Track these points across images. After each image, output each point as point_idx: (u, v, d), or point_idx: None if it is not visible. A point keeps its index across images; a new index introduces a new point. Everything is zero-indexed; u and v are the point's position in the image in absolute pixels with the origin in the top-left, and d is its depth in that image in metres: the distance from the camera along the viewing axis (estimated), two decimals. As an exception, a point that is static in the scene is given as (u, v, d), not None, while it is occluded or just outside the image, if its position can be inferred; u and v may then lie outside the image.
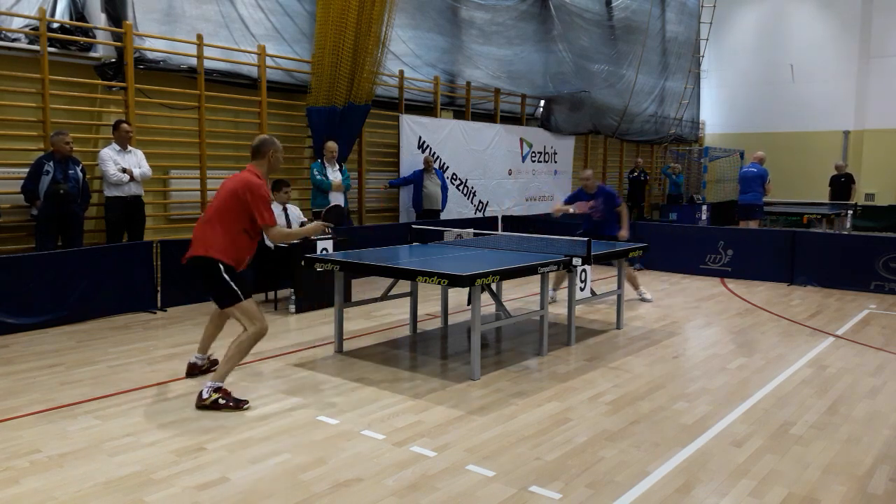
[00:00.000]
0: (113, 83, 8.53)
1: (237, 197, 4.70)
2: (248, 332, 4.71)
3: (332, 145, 9.70)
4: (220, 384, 4.65)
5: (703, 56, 21.00)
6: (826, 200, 15.65)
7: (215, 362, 5.32)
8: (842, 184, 15.52)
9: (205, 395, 4.58)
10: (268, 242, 7.83)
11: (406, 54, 12.27)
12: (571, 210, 8.49)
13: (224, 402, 4.59)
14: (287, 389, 5.05)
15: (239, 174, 4.85)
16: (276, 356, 5.94)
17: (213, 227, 4.71)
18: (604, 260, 6.81)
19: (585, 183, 8.46)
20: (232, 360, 4.71)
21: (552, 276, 8.63)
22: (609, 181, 18.67)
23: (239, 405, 4.62)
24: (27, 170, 7.39)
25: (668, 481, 3.62)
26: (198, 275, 4.75)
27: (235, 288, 4.70)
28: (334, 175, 9.64)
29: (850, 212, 14.76)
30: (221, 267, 4.69)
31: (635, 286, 8.68)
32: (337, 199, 9.65)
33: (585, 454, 3.94)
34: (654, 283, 9.84)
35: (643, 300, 8.59)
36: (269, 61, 10.02)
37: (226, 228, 4.71)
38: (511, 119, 15.05)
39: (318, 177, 9.52)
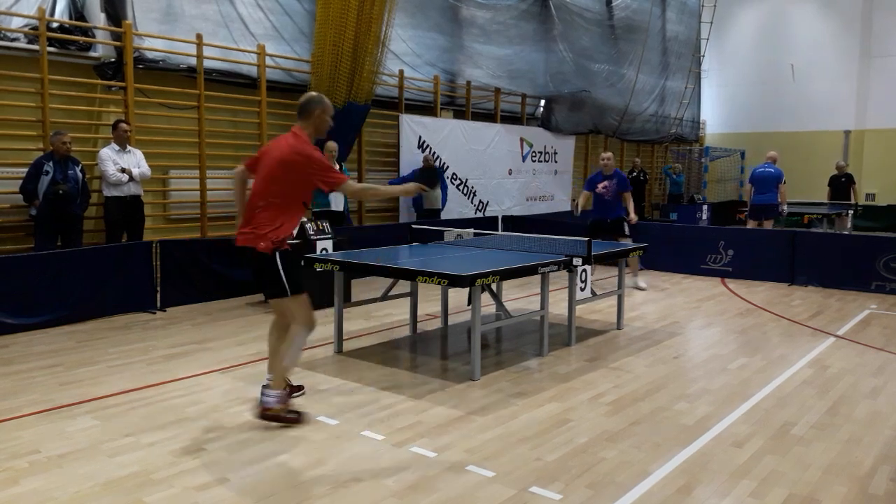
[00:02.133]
0: (112, 83, 8.53)
1: (288, 165, 4.17)
2: (299, 326, 4.28)
3: (332, 145, 9.67)
4: (282, 392, 4.30)
5: (703, 56, 20.99)
6: (826, 200, 15.62)
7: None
8: (842, 184, 15.50)
9: (270, 404, 4.23)
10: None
11: (406, 53, 12.26)
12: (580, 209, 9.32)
13: (288, 415, 4.26)
14: (287, 390, 5.04)
15: (282, 139, 4.34)
16: (276, 356, 5.93)
17: (265, 210, 4.21)
18: (604, 260, 6.80)
19: (607, 163, 9.14)
20: (291, 361, 4.33)
21: (634, 262, 9.21)
22: (609, 181, 18.66)
23: (299, 419, 4.30)
24: (27, 170, 7.38)
25: (669, 482, 3.61)
26: (246, 261, 4.34)
27: (291, 280, 4.24)
28: None
29: (851, 212, 14.74)
30: (278, 258, 4.21)
31: (633, 272, 9.13)
32: (337, 200, 9.61)
33: (586, 455, 3.93)
34: (654, 283, 9.83)
35: (637, 288, 8.99)
36: (268, 61, 10.01)
37: (281, 207, 4.21)
38: (511, 119, 15.04)
39: None
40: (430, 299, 8.19)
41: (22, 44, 7.84)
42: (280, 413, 4.25)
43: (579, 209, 9.54)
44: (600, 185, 9.17)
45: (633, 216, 9.12)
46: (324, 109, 4.33)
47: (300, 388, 4.85)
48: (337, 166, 9.70)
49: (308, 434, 4.20)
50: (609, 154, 9.34)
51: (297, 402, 4.59)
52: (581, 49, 15.77)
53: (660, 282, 10.06)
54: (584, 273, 6.21)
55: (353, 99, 10.36)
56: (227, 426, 4.31)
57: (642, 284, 9.10)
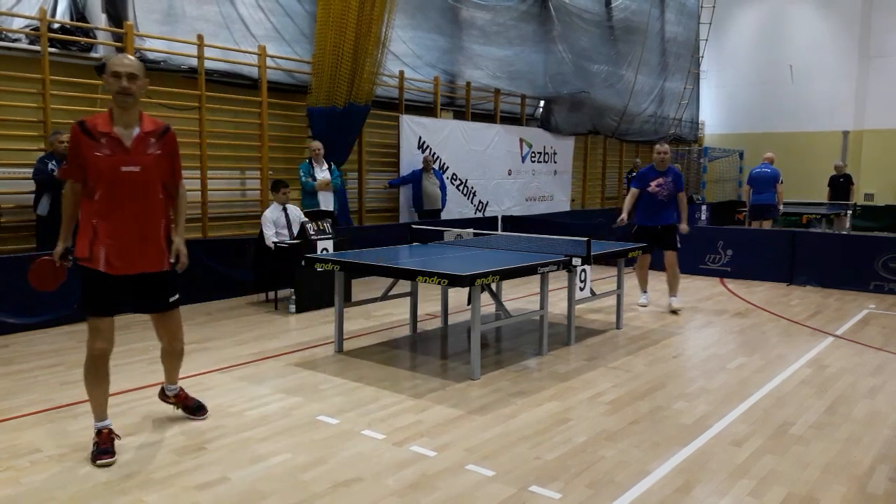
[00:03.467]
0: (113, 83, 8.53)
1: None
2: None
3: (316, 144, 9.64)
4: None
5: (702, 56, 21.01)
6: (825, 200, 15.64)
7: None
8: (840, 184, 15.53)
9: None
10: (268, 242, 7.84)
11: (406, 54, 12.28)
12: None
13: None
14: (287, 389, 5.05)
15: None
16: (276, 356, 5.95)
17: None
18: (604, 260, 6.81)
19: (664, 157, 7.93)
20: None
21: (674, 280, 7.88)
22: (608, 181, 18.70)
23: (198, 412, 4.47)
24: (27, 170, 7.39)
25: (668, 481, 3.62)
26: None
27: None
28: (322, 174, 9.48)
29: (850, 212, 14.76)
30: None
31: (673, 292, 8.01)
32: (326, 199, 9.52)
33: (585, 454, 3.95)
34: (654, 283, 9.83)
35: (671, 310, 7.91)
36: (269, 62, 10.02)
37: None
38: (511, 119, 15.06)
39: (303, 178, 9.37)
40: (430, 299, 8.20)
41: (23, 44, 7.85)
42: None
43: (626, 213, 7.95)
44: (653, 183, 7.83)
45: (684, 225, 7.98)
46: (109, 71, 3.75)
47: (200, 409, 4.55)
48: (325, 165, 9.63)
49: (308, 433, 4.22)
50: (666, 147, 8.02)
51: (292, 402, 4.59)
52: (580, 50, 15.79)
53: (659, 282, 10.06)
54: (583, 273, 6.22)
55: (353, 100, 10.37)
56: (228, 426, 4.33)
57: (676, 305, 7.93)
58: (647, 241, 7.70)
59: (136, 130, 3.78)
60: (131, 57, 3.91)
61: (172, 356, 4.35)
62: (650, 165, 8.15)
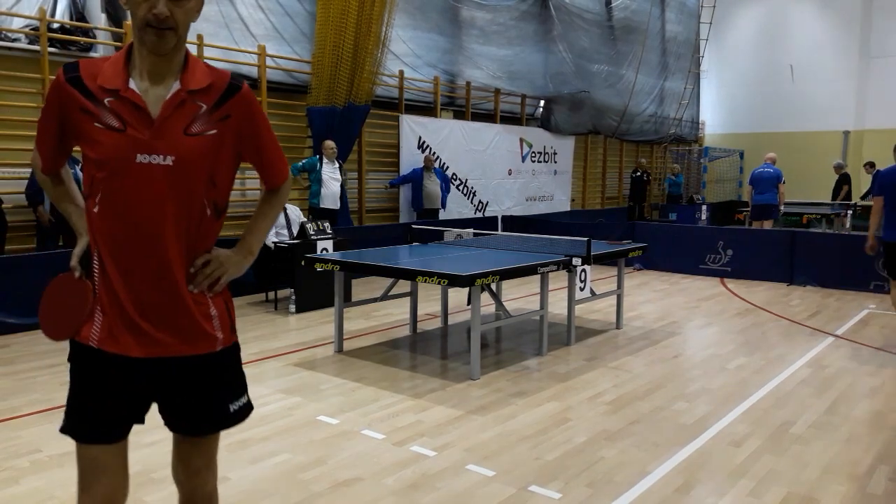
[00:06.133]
0: (113, 83, 8.53)
1: None
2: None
3: (329, 143, 9.68)
4: None
5: (702, 56, 21.00)
6: (827, 200, 15.65)
7: None
8: (838, 184, 15.59)
9: None
10: (268, 242, 7.83)
11: (406, 54, 12.28)
12: None
13: None
14: (287, 389, 5.05)
15: None
16: (276, 356, 5.95)
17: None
18: (604, 260, 6.81)
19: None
20: None
21: None
22: (609, 181, 18.71)
23: None
24: (27, 170, 7.38)
25: (668, 481, 3.62)
26: None
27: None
28: (333, 174, 9.62)
29: (850, 212, 14.76)
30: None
31: None
32: (333, 198, 9.60)
33: (585, 454, 3.95)
34: (654, 283, 9.84)
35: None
36: (269, 61, 10.02)
37: None
38: (511, 119, 15.06)
39: (299, 164, 9.57)
40: (430, 299, 8.20)
41: (23, 44, 7.85)
42: None
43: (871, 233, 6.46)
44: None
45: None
46: None
47: None
48: (337, 164, 9.73)
49: (308, 433, 4.22)
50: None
51: (291, 402, 4.59)
52: (580, 50, 15.80)
53: (659, 282, 10.07)
54: (583, 273, 6.22)
55: (353, 99, 10.37)
56: (228, 425, 4.33)
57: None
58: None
59: (175, 86, 1.91)
60: None
61: None
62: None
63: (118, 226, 1.91)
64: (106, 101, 1.89)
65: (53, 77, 2.03)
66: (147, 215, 1.90)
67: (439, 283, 5.09)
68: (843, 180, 15.52)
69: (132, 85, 1.89)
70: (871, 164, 15.13)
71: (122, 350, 1.97)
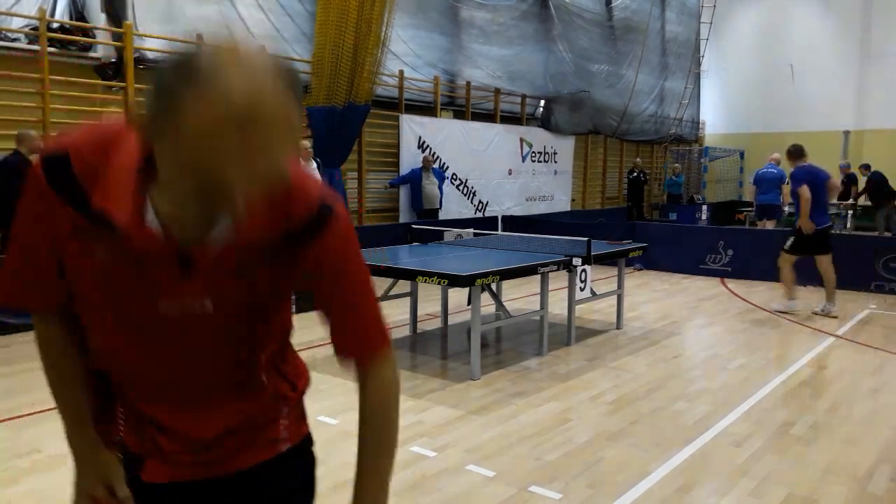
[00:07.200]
0: (113, 83, 8.53)
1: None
2: None
3: (303, 143, 9.61)
4: None
5: (702, 56, 21.00)
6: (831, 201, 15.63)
7: None
8: (843, 184, 15.55)
9: None
10: None
11: (406, 54, 12.27)
12: None
13: None
14: (287, 389, 5.04)
15: None
16: (276, 356, 5.93)
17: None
18: (604, 260, 6.81)
19: None
20: None
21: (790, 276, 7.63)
22: (609, 181, 18.70)
23: None
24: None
25: (669, 481, 3.62)
26: None
27: None
28: (312, 174, 9.53)
29: (851, 212, 14.76)
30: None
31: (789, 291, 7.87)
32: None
33: (585, 454, 3.94)
34: (654, 283, 9.84)
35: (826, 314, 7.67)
36: (269, 61, 10.01)
37: None
38: (511, 119, 15.05)
39: None
40: (430, 299, 8.20)
41: (22, 44, 7.85)
42: None
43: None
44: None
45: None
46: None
47: None
48: (314, 164, 9.60)
49: (308, 434, 4.21)
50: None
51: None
52: (580, 50, 15.80)
53: (659, 282, 10.07)
54: (583, 273, 6.22)
55: (353, 99, 10.37)
56: (228, 426, 4.32)
57: (834, 311, 7.69)
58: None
59: (224, 232, 1.18)
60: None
61: None
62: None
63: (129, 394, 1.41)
64: (111, 231, 1.16)
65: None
66: (170, 382, 1.38)
67: (439, 283, 5.08)
68: (850, 181, 15.51)
69: (151, 222, 1.15)
70: (866, 167, 15.24)
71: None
